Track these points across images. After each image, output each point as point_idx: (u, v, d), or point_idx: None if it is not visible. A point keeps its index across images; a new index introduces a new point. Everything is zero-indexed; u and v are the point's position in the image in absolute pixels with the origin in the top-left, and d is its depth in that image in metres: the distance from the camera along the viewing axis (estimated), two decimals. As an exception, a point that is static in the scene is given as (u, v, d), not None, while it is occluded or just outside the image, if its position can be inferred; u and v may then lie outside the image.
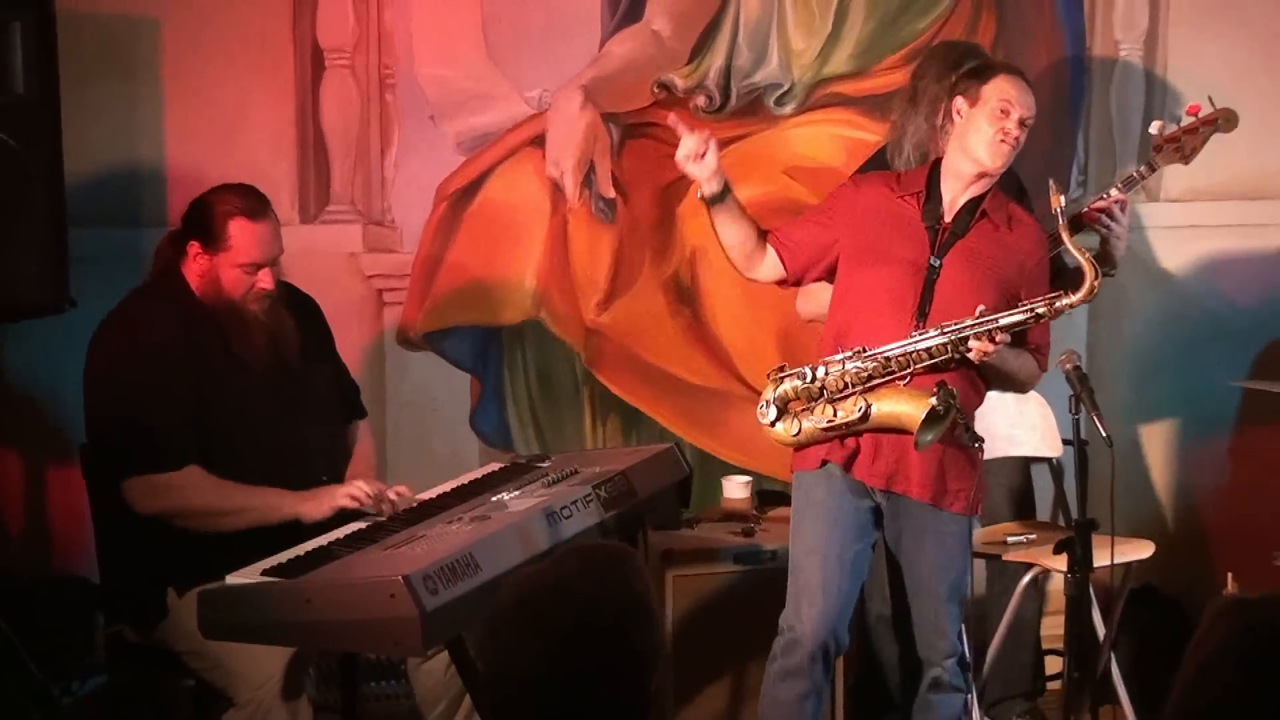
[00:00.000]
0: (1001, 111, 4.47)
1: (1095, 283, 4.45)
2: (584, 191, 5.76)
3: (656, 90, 5.79)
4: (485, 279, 5.73)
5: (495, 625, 2.65)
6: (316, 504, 4.33)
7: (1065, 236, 4.47)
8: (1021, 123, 4.48)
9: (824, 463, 4.54)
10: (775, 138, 5.89)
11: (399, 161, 5.63)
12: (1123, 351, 6.22)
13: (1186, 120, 5.32)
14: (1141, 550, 5.26)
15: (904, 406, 4.41)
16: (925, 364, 4.44)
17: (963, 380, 4.48)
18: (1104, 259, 5.14)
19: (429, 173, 5.65)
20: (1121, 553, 4.96)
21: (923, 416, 4.33)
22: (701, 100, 5.81)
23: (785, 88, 5.87)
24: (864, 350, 4.44)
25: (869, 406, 4.42)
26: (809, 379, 4.49)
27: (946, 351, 4.41)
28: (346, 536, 4.18)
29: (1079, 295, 4.44)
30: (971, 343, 4.39)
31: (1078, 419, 4.48)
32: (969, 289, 4.47)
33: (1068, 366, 4.51)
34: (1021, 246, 4.56)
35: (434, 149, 5.64)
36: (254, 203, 4.44)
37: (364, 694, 4.39)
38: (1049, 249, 4.63)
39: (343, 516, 4.32)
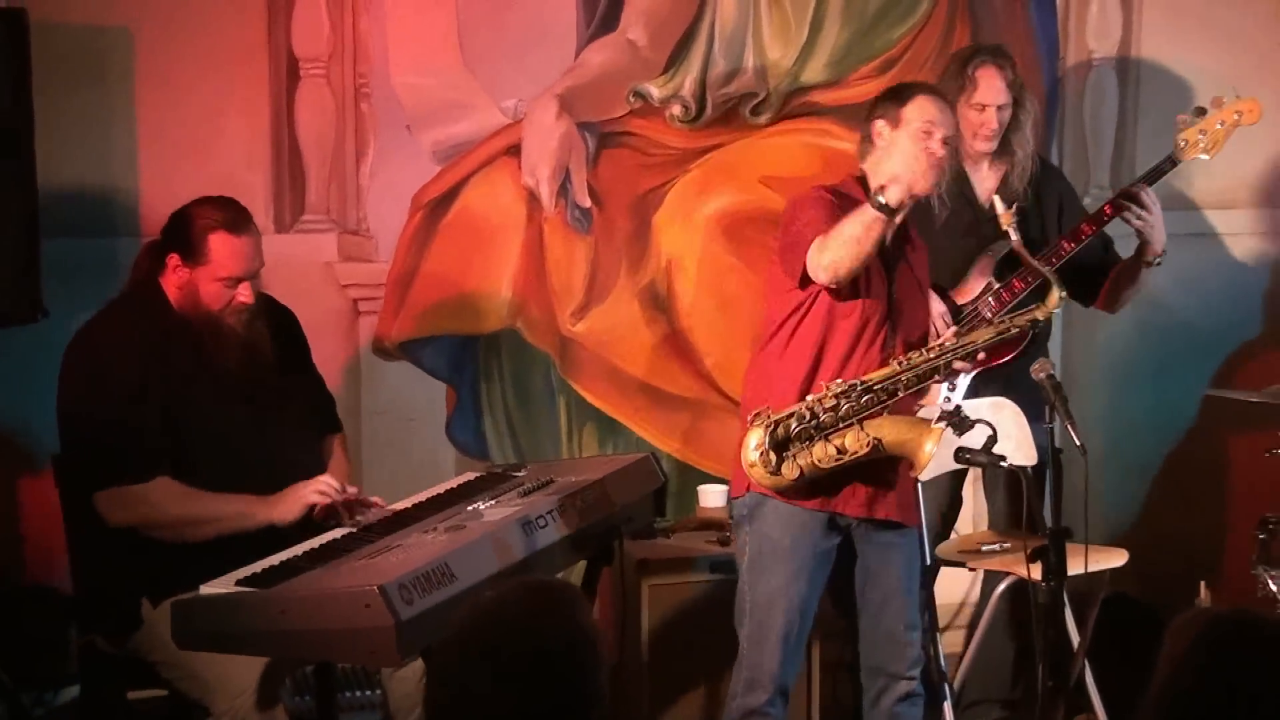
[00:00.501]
0: (925, 132, 4.44)
1: (1060, 294, 4.49)
2: (560, 201, 5.76)
3: (632, 100, 5.80)
4: (461, 288, 5.74)
5: (444, 658, 2.66)
6: (286, 506, 4.32)
7: (1022, 253, 4.50)
8: (945, 141, 4.46)
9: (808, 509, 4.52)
10: (751, 147, 5.91)
11: (374, 171, 5.64)
12: (1096, 361, 6.25)
13: (1211, 113, 5.37)
14: (1115, 558, 5.24)
15: (908, 434, 4.40)
16: (912, 389, 4.45)
17: (910, 400, 4.54)
18: (1142, 250, 5.26)
19: (405, 182, 5.66)
20: (1095, 561, 4.90)
21: (929, 444, 4.33)
22: (677, 110, 5.83)
23: (761, 97, 5.88)
24: (858, 384, 4.41)
25: (877, 442, 4.39)
26: (808, 418, 4.41)
27: (934, 376, 4.45)
28: (321, 546, 4.16)
29: (1048, 308, 4.49)
30: (956, 365, 4.45)
31: (1052, 428, 4.49)
32: (918, 310, 4.54)
33: (1042, 375, 4.48)
34: (923, 255, 4.63)
35: (410, 158, 5.65)
36: (236, 216, 4.43)
37: (339, 703, 4.36)
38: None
39: (319, 527, 4.32)
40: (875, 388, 4.41)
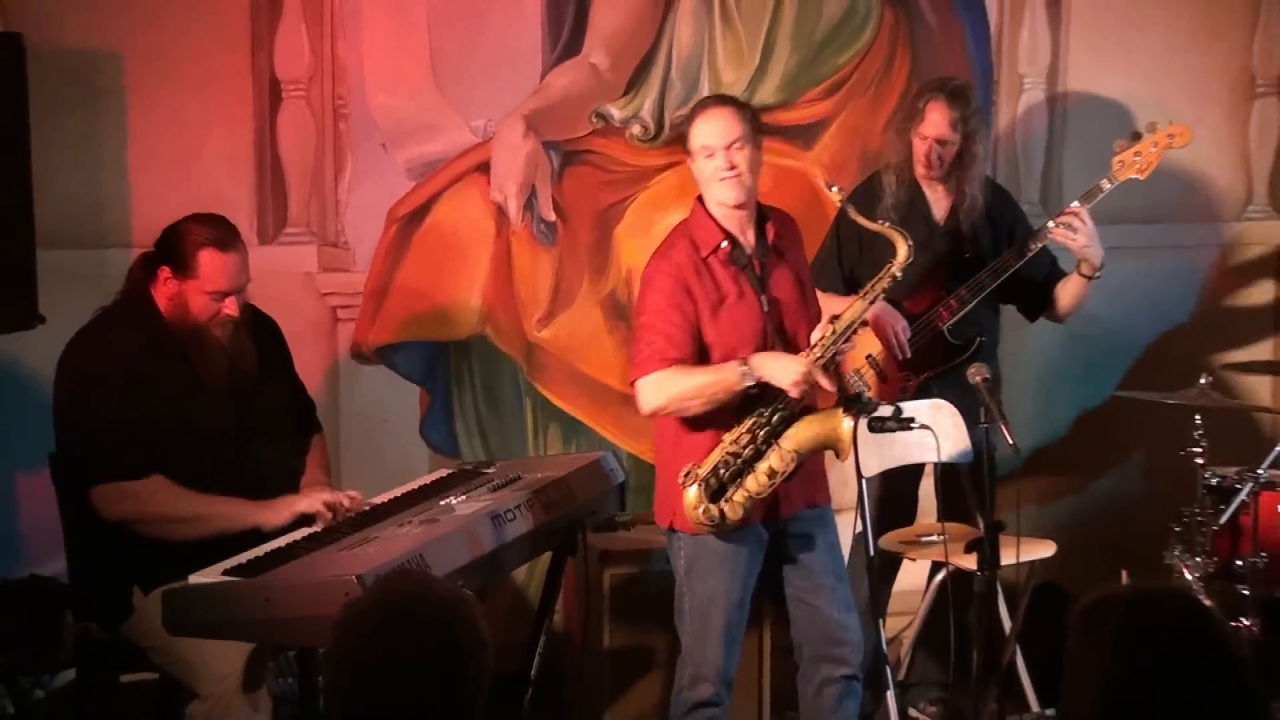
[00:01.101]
0: (707, 155, 4.42)
1: (907, 246, 4.42)
2: (526, 215, 5.76)
3: (594, 120, 5.81)
4: (433, 297, 5.73)
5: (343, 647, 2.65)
6: (275, 513, 4.31)
7: (858, 218, 4.47)
8: (733, 148, 4.38)
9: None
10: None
11: (352, 186, 5.64)
12: (1027, 364, 6.23)
13: (1145, 137, 5.41)
14: (1044, 550, 5.27)
15: (820, 429, 4.39)
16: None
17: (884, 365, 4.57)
18: (1080, 266, 5.31)
19: (380, 197, 5.65)
20: (1026, 552, 4.95)
21: (846, 428, 4.33)
22: (637, 130, 5.83)
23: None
24: (763, 410, 4.38)
25: (795, 452, 4.38)
26: (734, 462, 4.40)
27: (827, 370, 4.39)
28: (304, 538, 4.17)
29: (899, 262, 4.42)
30: (842, 348, 4.41)
31: (986, 428, 4.47)
32: (799, 307, 4.49)
33: (977, 379, 4.50)
34: (795, 235, 4.57)
35: (385, 175, 5.65)
36: (225, 234, 4.40)
37: (319, 685, 4.36)
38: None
39: (298, 520, 4.32)
40: (780, 405, 4.39)
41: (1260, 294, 6.51)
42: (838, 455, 4.41)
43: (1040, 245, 5.28)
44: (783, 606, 4.71)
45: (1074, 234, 5.21)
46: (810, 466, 4.54)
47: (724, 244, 4.45)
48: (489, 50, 5.68)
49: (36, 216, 4.79)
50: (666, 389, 4.39)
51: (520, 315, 5.81)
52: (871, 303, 4.47)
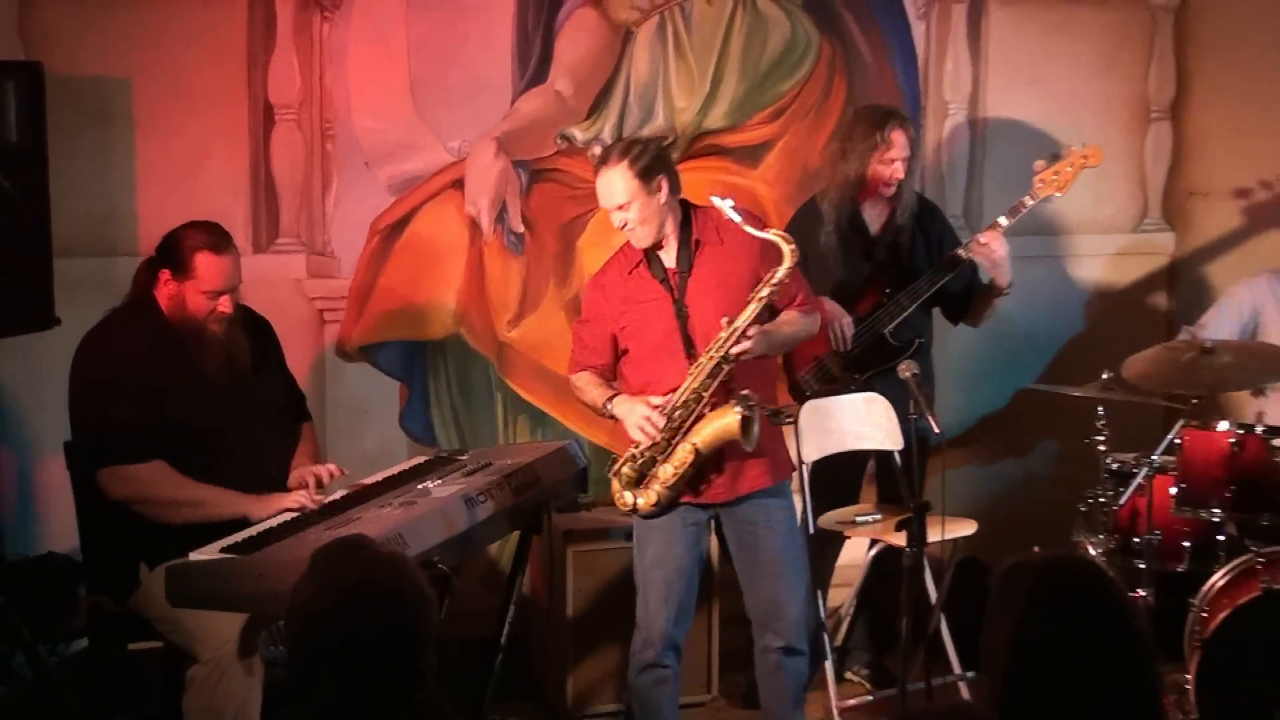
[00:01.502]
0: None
1: (791, 249, 4.38)
2: (497, 226, 5.77)
3: (559, 141, 5.82)
4: (412, 301, 5.73)
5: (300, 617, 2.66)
6: (264, 506, 4.32)
7: (746, 227, 4.44)
8: (618, 210, 4.46)
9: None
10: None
11: (338, 200, 5.63)
12: (952, 362, 6.23)
13: (1063, 157, 5.48)
14: (966, 528, 5.31)
15: (717, 425, 4.41)
16: (714, 386, 4.42)
17: (753, 374, 4.46)
18: (994, 284, 5.37)
19: (364, 210, 5.66)
20: (950, 530, 4.99)
21: (738, 424, 4.36)
22: (597, 150, 5.75)
23: (670, 140, 5.86)
24: (665, 404, 4.42)
25: (695, 446, 4.42)
26: (641, 455, 4.48)
27: (722, 368, 4.39)
28: (293, 519, 4.20)
29: (784, 266, 4.38)
30: (733, 350, 4.37)
31: (915, 418, 4.54)
32: (718, 309, 4.44)
33: (907, 375, 4.56)
34: (741, 243, 4.47)
35: (368, 190, 5.65)
36: (219, 239, 4.42)
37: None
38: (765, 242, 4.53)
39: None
40: (680, 402, 4.42)
41: (1155, 297, 6.56)
42: (746, 446, 4.41)
43: (970, 257, 5.35)
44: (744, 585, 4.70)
45: (992, 255, 5.30)
46: (767, 450, 4.54)
47: (641, 262, 4.53)
48: (463, 78, 5.68)
49: (54, 227, 4.76)
50: (578, 391, 4.66)
51: (492, 317, 5.81)
52: (761, 303, 4.39)
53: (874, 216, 5.41)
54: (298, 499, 4.35)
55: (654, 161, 4.46)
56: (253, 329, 4.64)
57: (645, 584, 4.63)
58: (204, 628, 4.14)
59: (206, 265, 4.38)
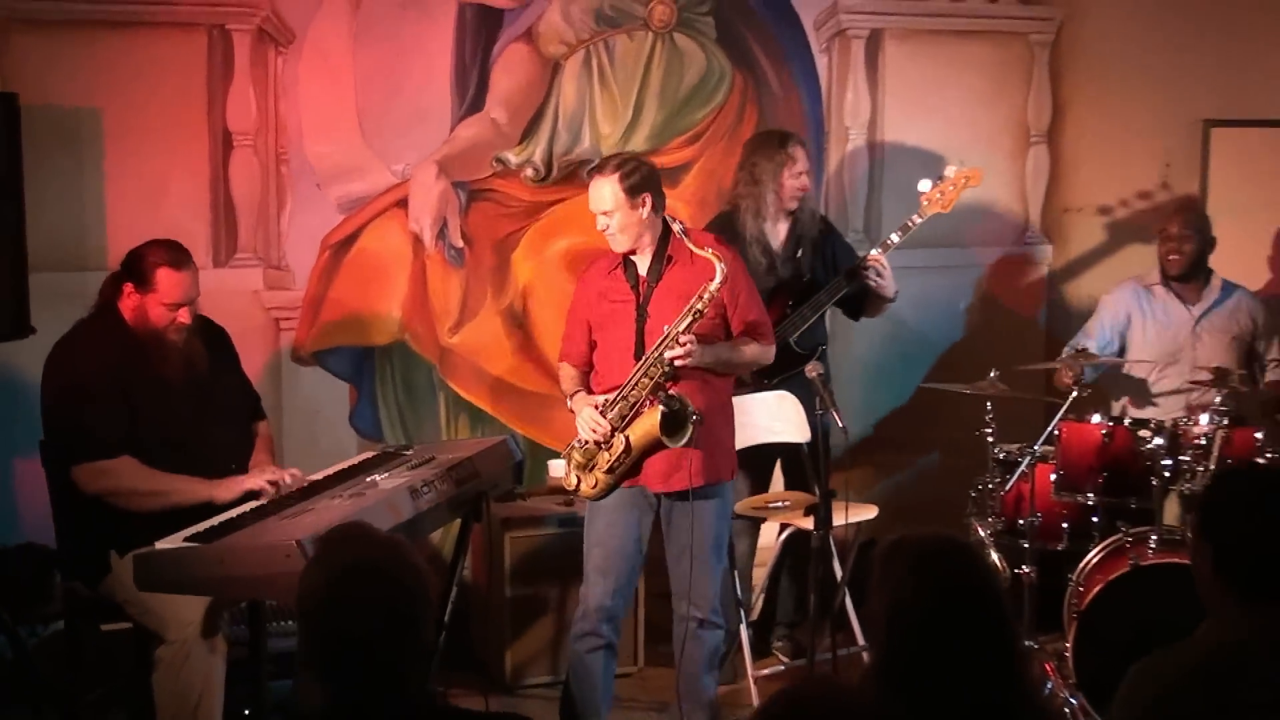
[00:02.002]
0: (594, 213, 4.54)
1: (722, 267, 4.40)
2: (439, 242, 5.75)
3: (495, 164, 5.81)
4: (360, 310, 5.71)
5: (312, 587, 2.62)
6: (227, 489, 4.31)
7: (687, 242, 4.48)
8: (603, 216, 4.51)
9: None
10: (587, 201, 5.82)
11: (292, 219, 5.60)
12: (854, 363, 6.28)
13: (947, 177, 5.53)
14: (868, 513, 5.34)
15: (645, 424, 4.45)
16: (650, 387, 4.44)
17: (692, 384, 4.48)
18: (879, 297, 5.41)
19: (315, 228, 5.63)
20: (853, 515, 5.04)
21: (657, 422, 4.40)
22: (530, 172, 5.83)
23: (596, 162, 5.66)
24: (608, 401, 4.48)
25: (627, 439, 4.47)
26: (588, 445, 4.53)
27: (659, 369, 4.42)
28: (251, 509, 4.18)
29: (715, 282, 4.40)
30: (667, 354, 4.40)
31: (821, 414, 4.56)
32: (671, 318, 4.47)
33: (813, 375, 4.58)
34: (706, 267, 4.47)
35: (319, 209, 5.62)
36: (178, 255, 4.40)
37: (268, 631, 4.38)
38: (739, 261, 4.64)
39: (245, 495, 4.32)
40: (619, 397, 4.47)
41: (1034, 303, 6.60)
42: (666, 443, 4.43)
43: (864, 271, 5.39)
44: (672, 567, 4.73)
45: (879, 276, 5.36)
46: (711, 451, 4.55)
47: (619, 264, 4.58)
48: (406, 107, 5.67)
49: (29, 244, 4.75)
50: (560, 378, 4.74)
51: (434, 324, 5.79)
52: (693, 313, 4.40)
53: (777, 234, 5.43)
54: (256, 480, 4.34)
55: (642, 181, 4.51)
56: (210, 337, 4.62)
57: (588, 559, 4.65)
58: (170, 610, 4.14)
59: (166, 280, 4.36)
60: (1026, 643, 5.00)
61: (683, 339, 4.38)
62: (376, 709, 2.54)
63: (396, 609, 2.56)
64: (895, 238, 5.41)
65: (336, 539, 2.76)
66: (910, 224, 5.46)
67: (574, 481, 4.60)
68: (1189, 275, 5.81)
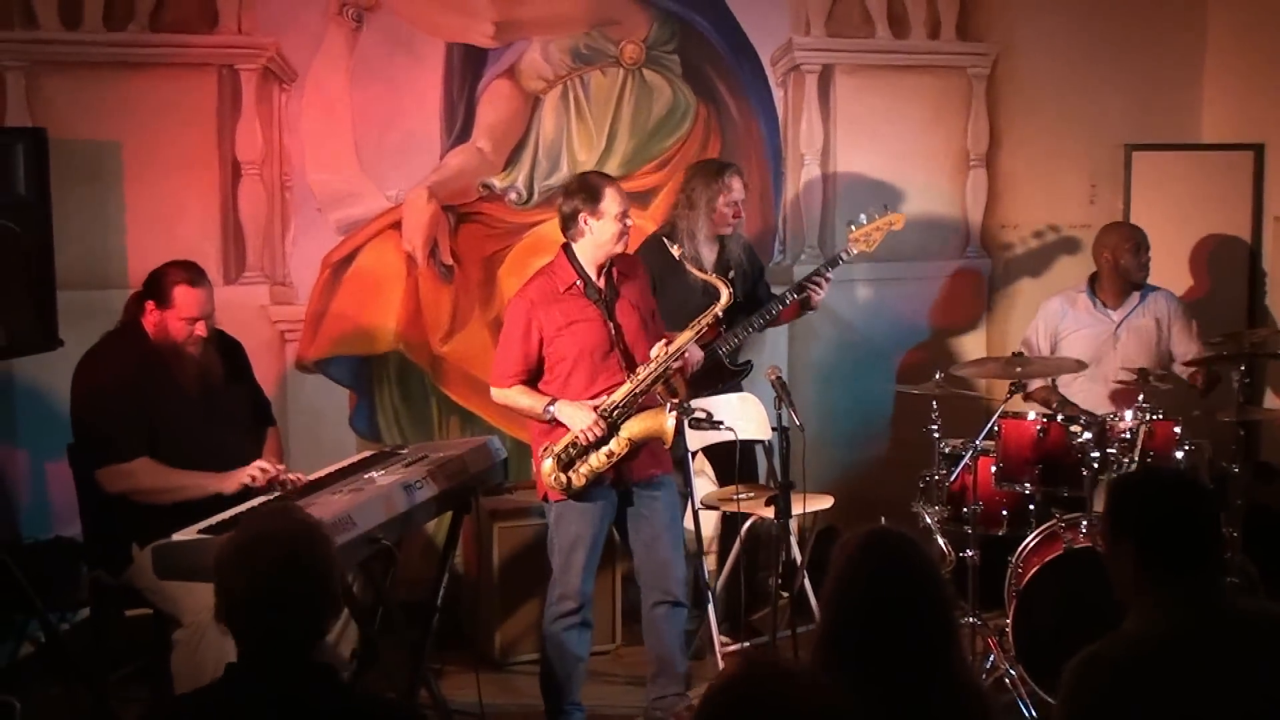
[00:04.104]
0: (627, 219, 4.57)
1: (728, 292, 4.58)
2: (430, 260, 5.74)
3: (481, 189, 5.80)
4: (359, 322, 5.70)
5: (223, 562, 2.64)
6: (230, 481, 4.34)
7: (695, 271, 4.69)
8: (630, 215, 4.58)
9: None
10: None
11: (295, 240, 5.59)
12: (811, 366, 6.31)
13: (870, 221, 5.60)
14: (825, 502, 5.35)
15: (650, 424, 4.51)
16: (648, 393, 4.54)
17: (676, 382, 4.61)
18: (809, 304, 5.48)
19: (317, 248, 5.62)
20: (811, 504, 5.07)
21: (670, 425, 4.45)
22: (513, 196, 5.84)
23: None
24: (609, 408, 4.49)
25: (629, 439, 4.51)
26: (582, 445, 4.52)
27: (660, 380, 4.55)
28: (259, 505, 4.16)
29: (721, 303, 4.56)
30: (673, 365, 4.56)
31: (780, 413, 4.58)
32: (639, 328, 4.58)
33: (773, 377, 4.60)
34: (639, 276, 4.66)
35: (320, 231, 5.61)
36: (195, 274, 4.44)
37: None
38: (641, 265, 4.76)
39: (256, 495, 4.32)
40: (620, 405, 4.51)
41: (975, 312, 6.62)
42: (665, 442, 4.52)
43: (803, 294, 5.50)
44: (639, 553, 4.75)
45: (821, 292, 5.48)
46: (655, 447, 4.60)
47: (578, 282, 4.57)
48: (399, 138, 5.66)
49: (57, 265, 4.76)
50: (509, 400, 4.61)
51: (427, 335, 5.78)
52: (697, 333, 4.54)
53: (710, 257, 5.43)
54: (252, 472, 4.36)
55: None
56: (225, 349, 4.65)
57: (568, 554, 4.64)
58: (186, 596, 4.14)
59: (184, 296, 4.40)
60: (971, 619, 5.03)
61: (688, 353, 4.50)
62: (270, 669, 2.57)
63: (288, 575, 2.57)
64: (829, 272, 5.54)
65: (262, 512, 2.79)
66: (840, 259, 5.59)
67: (564, 481, 4.54)
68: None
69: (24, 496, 5.29)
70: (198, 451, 4.40)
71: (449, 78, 5.74)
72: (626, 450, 4.52)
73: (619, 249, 4.59)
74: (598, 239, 4.57)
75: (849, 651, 2.61)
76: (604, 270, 4.61)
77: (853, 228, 5.63)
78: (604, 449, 4.52)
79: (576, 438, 4.51)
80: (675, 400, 4.53)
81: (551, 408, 4.54)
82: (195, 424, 4.44)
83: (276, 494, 4.32)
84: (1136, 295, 5.85)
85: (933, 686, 2.60)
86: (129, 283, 5.12)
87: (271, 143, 5.54)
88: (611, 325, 4.56)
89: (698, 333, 4.56)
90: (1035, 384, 5.71)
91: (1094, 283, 5.91)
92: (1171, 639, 2.69)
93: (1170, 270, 5.87)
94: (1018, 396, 5.34)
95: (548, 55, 5.85)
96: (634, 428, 4.51)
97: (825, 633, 2.69)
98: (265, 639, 2.57)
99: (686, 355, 4.53)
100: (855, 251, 5.61)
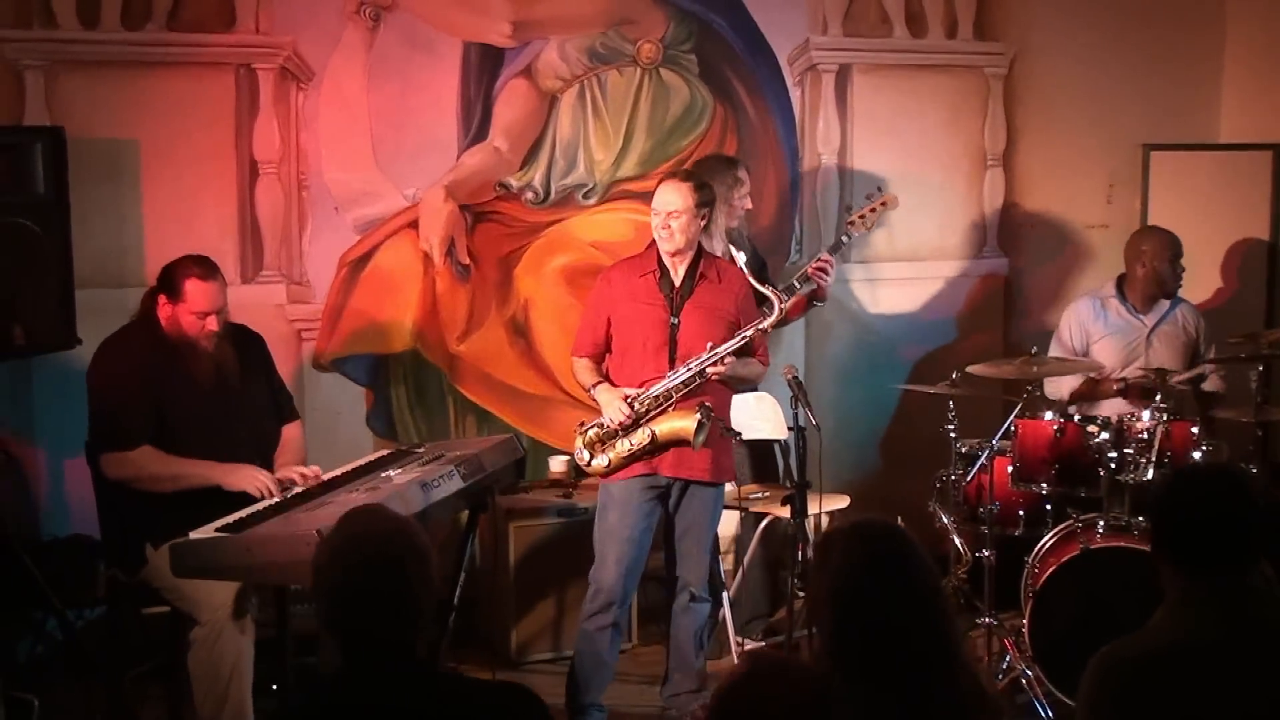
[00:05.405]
0: (655, 214, 4.60)
1: (782, 307, 4.65)
2: (447, 259, 5.74)
3: (497, 189, 5.80)
4: (376, 321, 5.70)
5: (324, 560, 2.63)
6: (235, 478, 4.33)
7: (754, 282, 4.65)
8: (670, 215, 4.57)
9: (632, 477, 4.63)
10: (583, 221, 5.92)
11: (312, 239, 5.59)
12: (828, 366, 6.29)
13: (867, 203, 5.58)
14: (840, 502, 5.35)
15: (678, 424, 4.53)
16: (683, 391, 4.55)
17: (713, 392, 4.61)
18: (818, 295, 5.42)
19: (334, 247, 5.62)
20: (827, 504, 5.06)
21: (694, 428, 4.48)
22: (529, 195, 5.83)
23: (589, 186, 5.90)
24: (638, 395, 4.55)
25: (653, 433, 4.54)
26: (604, 427, 4.60)
27: (695, 380, 4.54)
28: (276, 503, 4.19)
29: (771, 318, 4.62)
30: (708, 370, 4.54)
31: (797, 412, 4.57)
32: (701, 331, 4.58)
33: (789, 376, 4.59)
34: (732, 289, 4.68)
35: (337, 230, 5.62)
36: (205, 268, 4.43)
37: (292, 614, 4.39)
38: (749, 285, 4.73)
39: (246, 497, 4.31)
40: (652, 396, 4.54)
41: (993, 310, 6.60)
42: (693, 446, 4.53)
43: (809, 284, 5.46)
44: (673, 545, 4.80)
45: (826, 278, 5.43)
46: (710, 456, 4.62)
47: (654, 270, 4.64)
48: (416, 137, 5.67)
49: (75, 263, 4.78)
50: (576, 372, 4.77)
51: (443, 334, 5.78)
52: (743, 339, 4.57)
53: (713, 248, 5.36)
54: (259, 485, 4.33)
55: (706, 200, 4.67)
56: (242, 343, 4.64)
57: (602, 548, 4.68)
58: (203, 595, 4.16)
59: (194, 290, 4.39)
60: (987, 619, 5.03)
61: (727, 360, 4.52)
62: (381, 669, 2.56)
63: (393, 575, 2.57)
64: (825, 255, 5.52)
65: (351, 514, 2.78)
66: (841, 241, 5.60)
67: (586, 458, 4.65)
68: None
69: (42, 494, 5.30)
70: (210, 444, 4.40)
71: (466, 77, 5.74)
72: (649, 444, 4.55)
73: (667, 246, 4.63)
74: (655, 233, 4.64)
75: (852, 645, 2.57)
76: (689, 269, 4.65)
77: (850, 213, 5.65)
78: (629, 439, 4.57)
79: (603, 421, 4.59)
80: (707, 404, 4.54)
81: (594, 389, 4.65)
82: (207, 417, 4.44)
83: (291, 494, 4.32)
84: (1166, 303, 5.80)
85: (932, 673, 2.56)
86: (146, 281, 5.06)
87: (289, 142, 5.55)
88: (672, 321, 4.61)
89: (740, 340, 4.59)
90: (1132, 369, 5.68)
91: (1122, 285, 5.85)
92: (1196, 639, 2.66)
93: (1189, 271, 5.82)
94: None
95: (565, 55, 5.85)
96: (662, 425, 4.56)
97: (824, 640, 2.64)
98: (365, 639, 2.56)
99: (728, 364, 4.53)
100: (855, 235, 5.63)
